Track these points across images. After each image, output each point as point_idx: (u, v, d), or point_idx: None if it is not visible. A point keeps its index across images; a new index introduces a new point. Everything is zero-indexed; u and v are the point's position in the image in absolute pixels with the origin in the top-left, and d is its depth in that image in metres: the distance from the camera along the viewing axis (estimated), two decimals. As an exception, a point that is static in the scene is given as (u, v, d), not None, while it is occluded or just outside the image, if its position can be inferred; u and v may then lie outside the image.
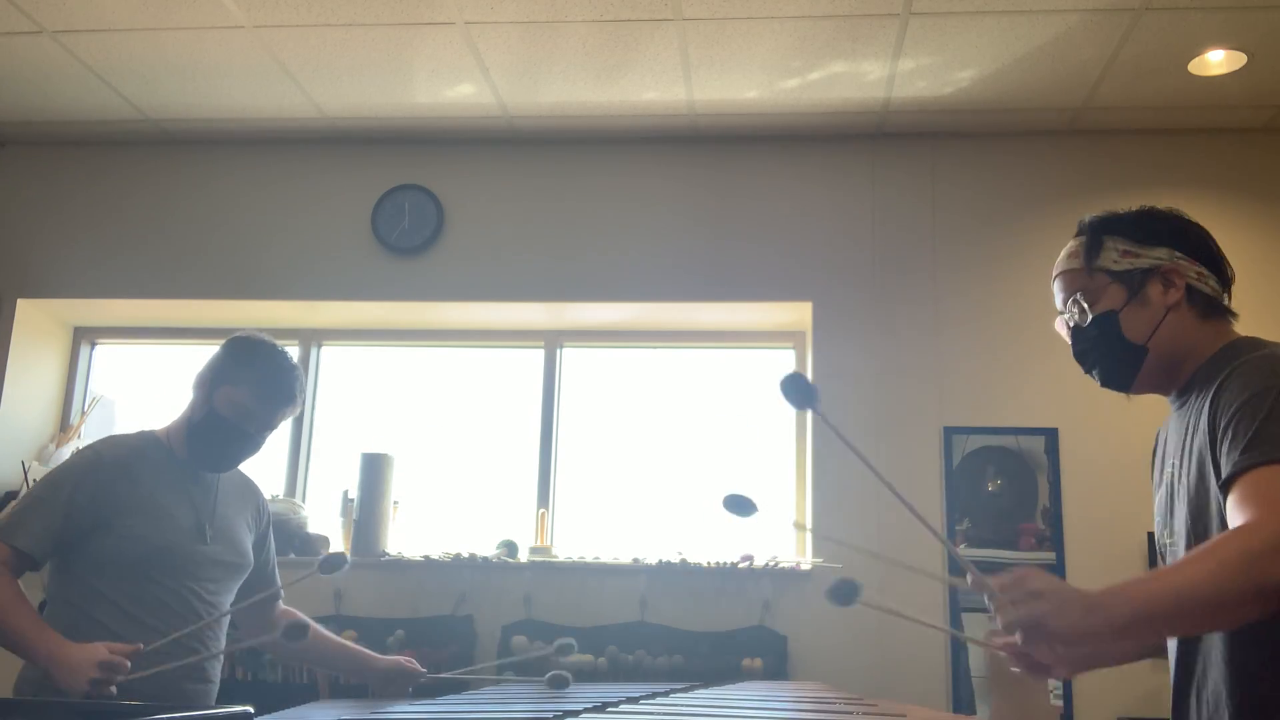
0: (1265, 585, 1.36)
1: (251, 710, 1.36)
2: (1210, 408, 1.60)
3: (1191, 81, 3.72)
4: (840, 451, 3.94)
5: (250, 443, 2.40)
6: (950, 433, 3.90)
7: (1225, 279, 1.79)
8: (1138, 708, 3.61)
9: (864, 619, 3.72)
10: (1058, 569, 3.75)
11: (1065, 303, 1.80)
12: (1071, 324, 1.79)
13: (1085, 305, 1.76)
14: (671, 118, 4.08)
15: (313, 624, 2.63)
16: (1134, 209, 1.82)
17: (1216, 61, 3.60)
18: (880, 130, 4.14)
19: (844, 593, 1.59)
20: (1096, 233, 1.79)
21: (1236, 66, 3.62)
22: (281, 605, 2.70)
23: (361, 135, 4.30)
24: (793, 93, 3.87)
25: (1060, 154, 4.11)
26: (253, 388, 2.35)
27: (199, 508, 2.41)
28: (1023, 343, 3.92)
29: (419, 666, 2.70)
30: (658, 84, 3.83)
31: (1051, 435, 3.86)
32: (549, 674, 2.38)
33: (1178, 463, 1.72)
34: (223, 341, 2.46)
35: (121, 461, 2.35)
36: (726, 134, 4.20)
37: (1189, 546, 1.65)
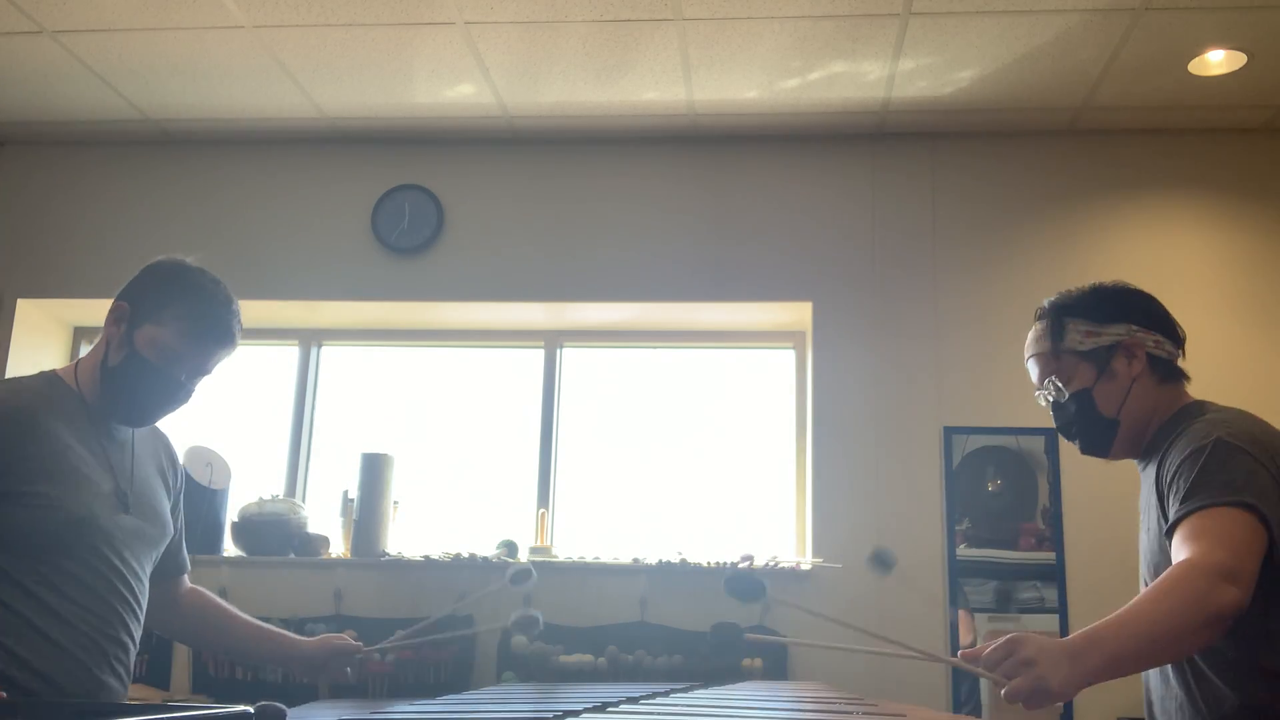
0: (1208, 614, 1.53)
1: (251, 710, 1.36)
2: (1158, 472, 1.79)
3: (1191, 81, 3.72)
4: (840, 452, 3.94)
5: (180, 391, 2.00)
6: (950, 433, 3.90)
7: (1177, 339, 1.94)
8: (1138, 708, 3.60)
9: (863, 619, 3.72)
10: (1058, 569, 3.75)
11: (1042, 381, 1.96)
12: (1050, 400, 1.96)
13: (1060, 385, 1.92)
14: (671, 118, 4.08)
15: (217, 600, 2.31)
16: (1085, 289, 1.98)
17: (1216, 61, 3.60)
18: (880, 130, 4.14)
19: (883, 560, 1.73)
20: (1058, 316, 1.95)
21: (1236, 66, 3.62)
22: (188, 582, 2.30)
23: (361, 135, 4.30)
24: (793, 93, 3.87)
25: (1060, 154, 4.11)
26: (182, 327, 1.97)
27: (116, 469, 2.01)
28: (1023, 343, 3.91)
29: (353, 641, 2.32)
30: (658, 84, 3.83)
31: (1051, 435, 3.85)
32: (510, 571, 2.24)
33: (1143, 519, 1.89)
34: (143, 268, 2.08)
35: (25, 411, 1.91)
36: (726, 134, 4.20)
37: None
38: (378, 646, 2.38)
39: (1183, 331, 1.95)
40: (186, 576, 2.29)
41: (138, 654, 2.06)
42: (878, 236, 4.11)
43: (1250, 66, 3.61)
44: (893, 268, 4.07)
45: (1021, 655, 1.49)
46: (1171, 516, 1.69)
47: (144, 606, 2.06)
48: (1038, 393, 1.99)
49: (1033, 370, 1.99)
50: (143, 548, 2.04)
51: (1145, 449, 1.91)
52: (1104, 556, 3.74)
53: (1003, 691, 1.51)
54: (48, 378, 2.03)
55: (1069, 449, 3.83)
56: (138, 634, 2.03)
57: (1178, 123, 4.04)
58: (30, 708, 1.66)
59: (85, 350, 4.55)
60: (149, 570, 2.08)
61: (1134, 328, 1.90)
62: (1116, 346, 1.89)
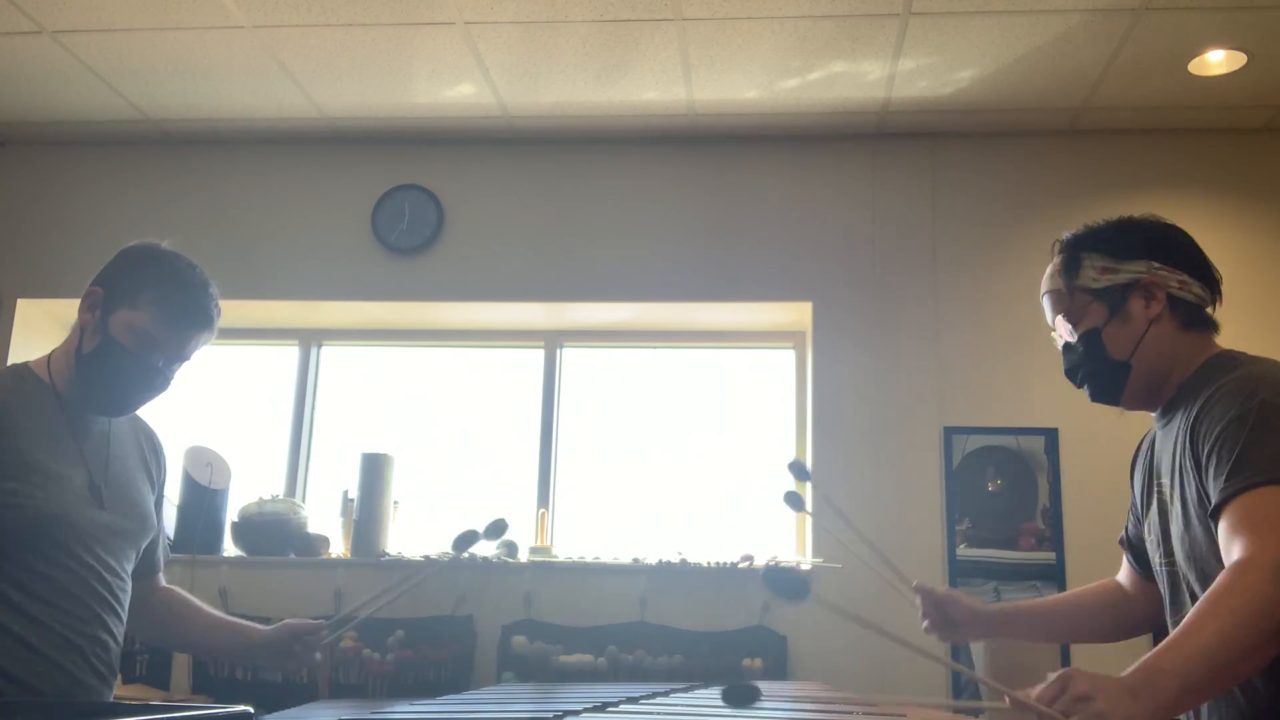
0: (1278, 621, 1.36)
1: (251, 710, 1.36)
2: (1191, 433, 1.62)
3: (1191, 81, 3.72)
4: (840, 452, 3.94)
5: (159, 378, 1.94)
6: (950, 433, 3.90)
7: (1211, 281, 1.77)
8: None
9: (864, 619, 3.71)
10: (1058, 569, 3.75)
11: (1053, 321, 1.84)
12: (1061, 341, 1.83)
13: (1070, 325, 1.78)
14: (671, 118, 4.08)
15: (186, 596, 2.22)
16: (1111, 220, 1.83)
17: (1216, 61, 3.60)
18: (880, 130, 4.14)
19: (743, 695, 1.45)
20: (1074, 251, 1.80)
21: (1236, 66, 3.62)
22: (163, 581, 2.22)
23: (361, 135, 4.30)
24: (793, 93, 3.87)
25: (1060, 154, 4.11)
26: (158, 311, 1.92)
27: (91, 463, 1.93)
28: (1023, 343, 3.92)
29: (313, 621, 2.21)
30: (658, 84, 3.83)
31: (1051, 435, 3.85)
32: (488, 525, 2.08)
33: (1169, 483, 1.71)
34: (116, 253, 2.04)
35: None
36: (726, 134, 4.19)
37: (1196, 573, 1.64)
38: (340, 618, 2.24)
39: (1219, 274, 1.77)
40: (161, 575, 2.21)
41: (140, 654, 2.01)
42: (878, 236, 4.11)
43: (1250, 66, 3.61)
44: (893, 268, 4.07)
45: (1077, 691, 1.34)
46: (1215, 495, 1.51)
47: (125, 603, 1.99)
48: (1053, 333, 1.86)
49: (1046, 309, 1.85)
50: (120, 543, 1.96)
51: (1167, 403, 1.74)
52: (1104, 556, 3.72)
53: None
54: (16, 371, 1.96)
55: (1069, 449, 3.83)
56: (119, 631, 1.97)
57: (1178, 123, 4.04)
58: (30, 708, 1.66)
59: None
60: (130, 566, 2.01)
61: (1156, 265, 1.73)
62: (1134, 285, 1.73)
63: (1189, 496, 1.62)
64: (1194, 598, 1.64)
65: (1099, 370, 1.77)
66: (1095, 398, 1.82)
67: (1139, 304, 1.73)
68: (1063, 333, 1.81)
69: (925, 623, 2.08)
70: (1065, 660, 3.61)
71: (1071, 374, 1.83)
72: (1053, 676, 1.38)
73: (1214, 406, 1.59)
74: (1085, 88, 3.80)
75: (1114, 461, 3.84)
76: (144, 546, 2.06)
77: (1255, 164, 4.04)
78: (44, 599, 1.82)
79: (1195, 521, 1.61)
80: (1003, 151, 4.14)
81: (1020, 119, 4.04)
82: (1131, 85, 3.77)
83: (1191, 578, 1.65)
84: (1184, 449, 1.63)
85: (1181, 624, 1.41)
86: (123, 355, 1.90)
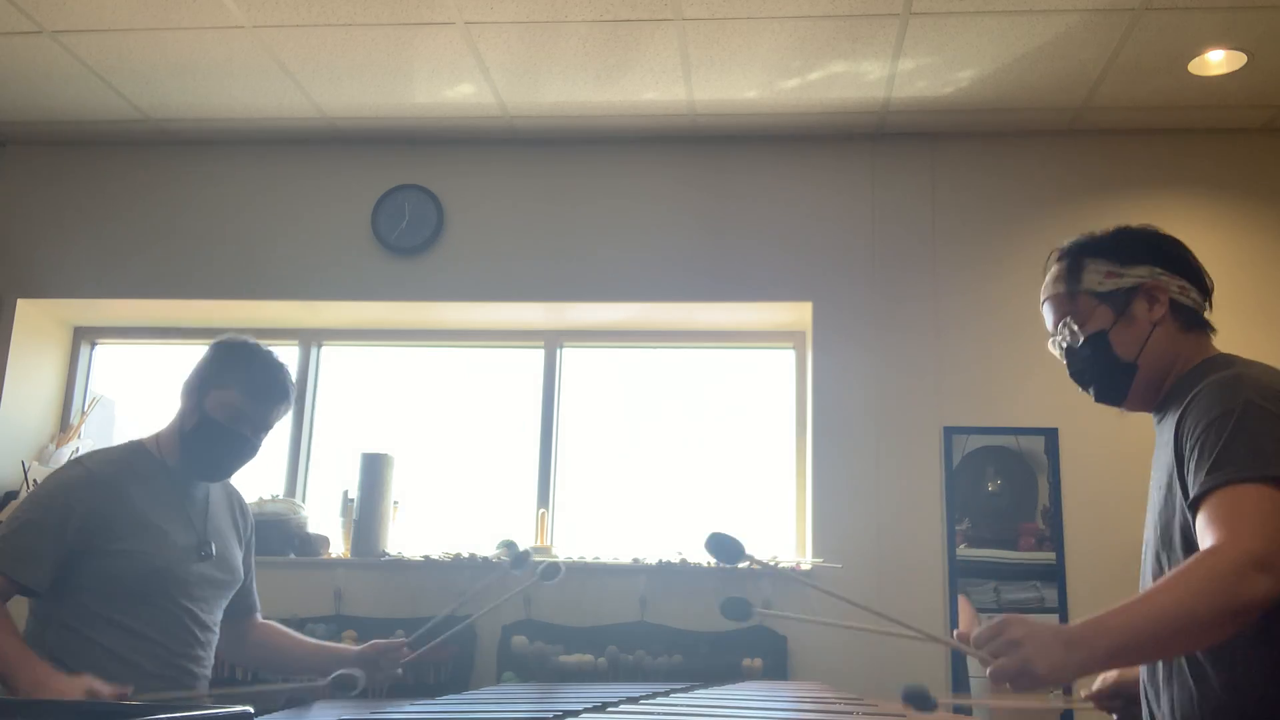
0: (1234, 606, 1.42)
1: (251, 710, 1.36)
2: (1177, 428, 1.67)
3: (1191, 81, 3.72)
4: (840, 452, 3.94)
5: (247, 446, 2.33)
6: (950, 433, 3.90)
7: (1205, 289, 1.84)
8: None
9: (864, 619, 3.71)
10: (1058, 569, 3.75)
11: (1056, 326, 1.88)
12: (1064, 346, 1.87)
13: (1075, 328, 1.83)
14: (671, 118, 4.08)
15: (281, 629, 2.62)
16: (1109, 229, 1.88)
17: (1216, 61, 3.60)
18: (880, 130, 4.14)
19: (919, 697, 1.67)
20: (1077, 256, 1.85)
21: (1236, 66, 3.62)
22: (259, 618, 2.63)
23: (361, 135, 4.30)
24: (793, 93, 3.87)
25: (1060, 154, 4.11)
26: (243, 388, 2.30)
27: (194, 523, 2.34)
28: (1023, 343, 3.92)
29: (398, 640, 2.64)
30: (658, 84, 3.83)
31: (1051, 435, 3.86)
32: (541, 567, 2.53)
33: (1158, 476, 1.77)
34: (210, 344, 2.41)
35: (113, 479, 2.26)
36: (726, 134, 4.20)
37: (1155, 561, 1.72)
38: (419, 636, 2.67)
39: (1211, 281, 1.84)
40: (258, 614, 2.60)
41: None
42: (878, 236, 4.11)
43: (1250, 66, 3.61)
44: (893, 268, 4.07)
45: (1009, 635, 1.45)
46: (1194, 489, 1.57)
47: (213, 641, 2.38)
48: (1051, 340, 1.91)
49: (1047, 315, 1.90)
50: (214, 592, 2.35)
51: (1162, 400, 1.80)
52: (1104, 556, 3.74)
53: (987, 670, 1.48)
54: (133, 447, 2.37)
55: (1069, 449, 3.83)
56: (208, 661, 2.35)
57: (1178, 123, 4.04)
58: (30, 708, 1.66)
59: (85, 351, 4.56)
60: (220, 612, 2.40)
61: (1158, 270, 1.80)
62: (1138, 289, 1.80)
63: (1173, 488, 1.67)
64: None
65: (1106, 371, 1.82)
66: (1100, 398, 1.87)
67: (1143, 307, 1.80)
68: (1065, 337, 1.86)
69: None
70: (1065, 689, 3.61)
71: (1078, 377, 1.88)
72: (993, 621, 1.48)
73: (1200, 402, 1.64)
74: (1085, 88, 3.80)
75: (1114, 461, 3.86)
76: (237, 591, 2.46)
77: (1255, 164, 4.04)
78: (146, 634, 2.22)
79: (1176, 512, 1.66)
80: (1003, 151, 4.14)
81: (1020, 119, 4.04)
82: (1131, 85, 3.77)
83: (1167, 566, 1.69)
84: (1170, 443, 1.69)
85: (1142, 593, 1.49)
86: (217, 429, 2.30)
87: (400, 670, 2.58)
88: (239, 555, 2.46)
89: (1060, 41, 3.50)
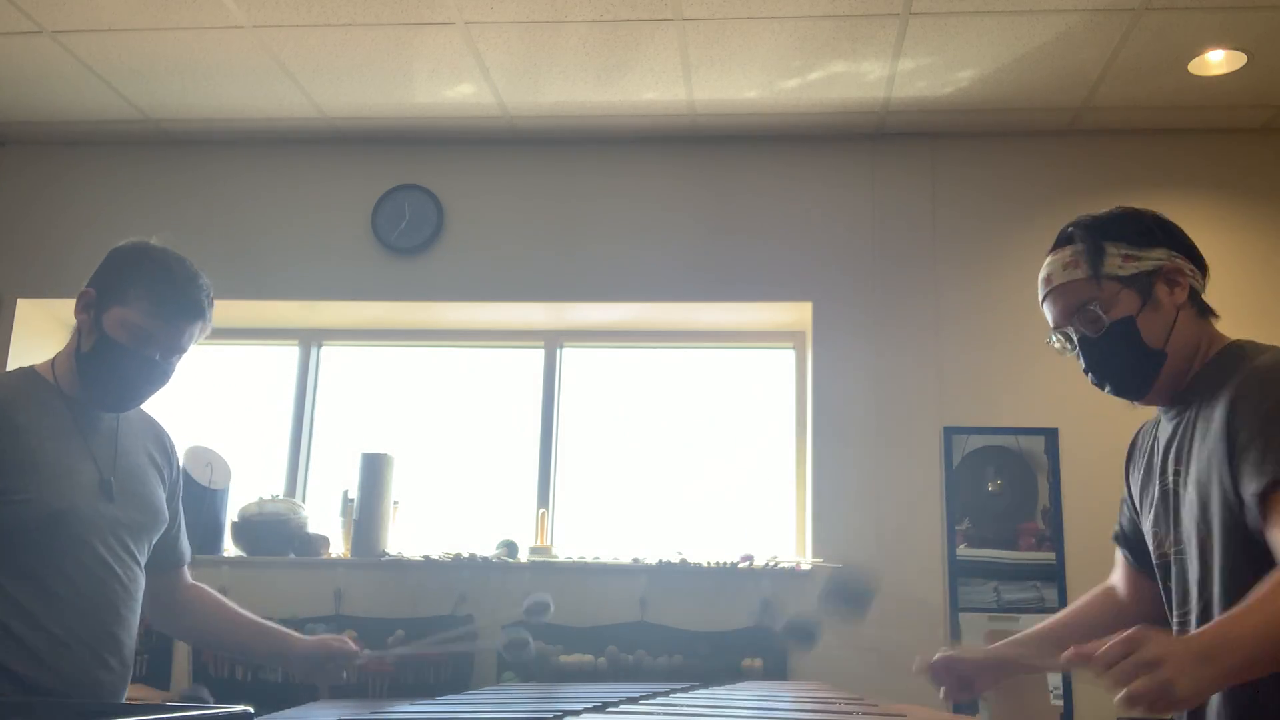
0: None
1: (251, 710, 1.36)
2: (1228, 415, 1.58)
3: (1191, 81, 3.72)
4: (840, 452, 3.94)
5: (157, 371, 1.97)
6: (950, 433, 3.90)
7: (1205, 272, 1.78)
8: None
9: (864, 619, 3.71)
10: (1057, 569, 3.75)
11: (1070, 315, 1.74)
12: (1078, 335, 1.75)
13: (1101, 314, 1.71)
14: (671, 118, 4.08)
15: (218, 596, 2.26)
16: (1115, 210, 1.79)
17: (1216, 61, 3.60)
18: (880, 130, 4.14)
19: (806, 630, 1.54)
20: (1095, 239, 1.74)
21: (1236, 66, 3.62)
22: (188, 576, 2.27)
23: (361, 135, 4.30)
24: (793, 93, 3.87)
25: (1060, 154, 4.11)
26: (147, 304, 1.94)
27: (99, 458, 1.98)
28: (1023, 343, 3.92)
29: (352, 645, 2.24)
30: (658, 84, 3.83)
31: (1051, 435, 3.86)
32: (526, 603, 2.33)
33: (1182, 470, 1.69)
34: (107, 253, 2.08)
35: (1, 408, 1.91)
36: (726, 134, 4.20)
37: (1201, 555, 1.63)
38: (377, 654, 2.34)
39: (1207, 268, 1.78)
40: (187, 569, 2.25)
41: (140, 654, 2.07)
42: (878, 237, 4.11)
43: (1250, 66, 3.61)
44: (893, 268, 4.07)
45: (1145, 656, 1.29)
46: (1263, 478, 1.49)
47: (138, 595, 2.03)
48: (1055, 333, 1.78)
49: (1054, 305, 1.76)
50: (131, 535, 2.00)
51: (1184, 392, 1.72)
52: (1104, 556, 3.71)
53: (1116, 697, 1.30)
54: (24, 373, 2.02)
55: (1069, 449, 3.83)
56: (133, 623, 2.01)
57: (1178, 123, 4.04)
58: (30, 708, 1.66)
59: (85, 350, 4.54)
60: (143, 559, 2.05)
61: (1174, 254, 1.72)
62: (1158, 272, 1.70)
63: (1215, 482, 1.59)
64: (1209, 583, 1.62)
65: (1133, 360, 1.71)
66: (1119, 391, 1.76)
67: (1164, 291, 1.71)
68: (1085, 326, 1.72)
69: (941, 692, 2.05)
70: (1066, 688, 3.61)
71: (1099, 367, 1.74)
72: (1119, 637, 1.32)
73: (1254, 390, 1.56)
74: (1085, 88, 3.80)
75: (1114, 461, 3.83)
76: (159, 539, 2.11)
77: (1255, 164, 4.03)
78: (57, 594, 1.87)
79: (1218, 507, 1.58)
80: (1003, 151, 4.14)
81: (1020, 119, 4.04)
82: (1131, 85, 3.77)
83: (1214, 562, 1.61)
84: (1214, 435, 1.60)
85: (1248, 598, 1.39)
86: (119, 351, 1.94)
87: (345, 676, 2.24)
88: (160, 495, 2.11)
89: (1060, 41, 3.50)
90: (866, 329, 4.02)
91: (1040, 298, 1.80)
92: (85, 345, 1.96)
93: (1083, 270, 1.73)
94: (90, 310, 1.98)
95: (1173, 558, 1.72)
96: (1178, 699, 1.28)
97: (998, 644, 2.07)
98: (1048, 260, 1.80)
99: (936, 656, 2.03)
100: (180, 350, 2.01)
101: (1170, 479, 1.72)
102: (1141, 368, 1.71)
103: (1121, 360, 1.72)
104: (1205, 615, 1.62)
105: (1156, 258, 1.72)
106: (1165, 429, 1.77)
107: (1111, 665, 1.30)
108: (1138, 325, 1.70)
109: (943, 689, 2.03)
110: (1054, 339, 1.80)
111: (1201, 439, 1.63)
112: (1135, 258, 1.72)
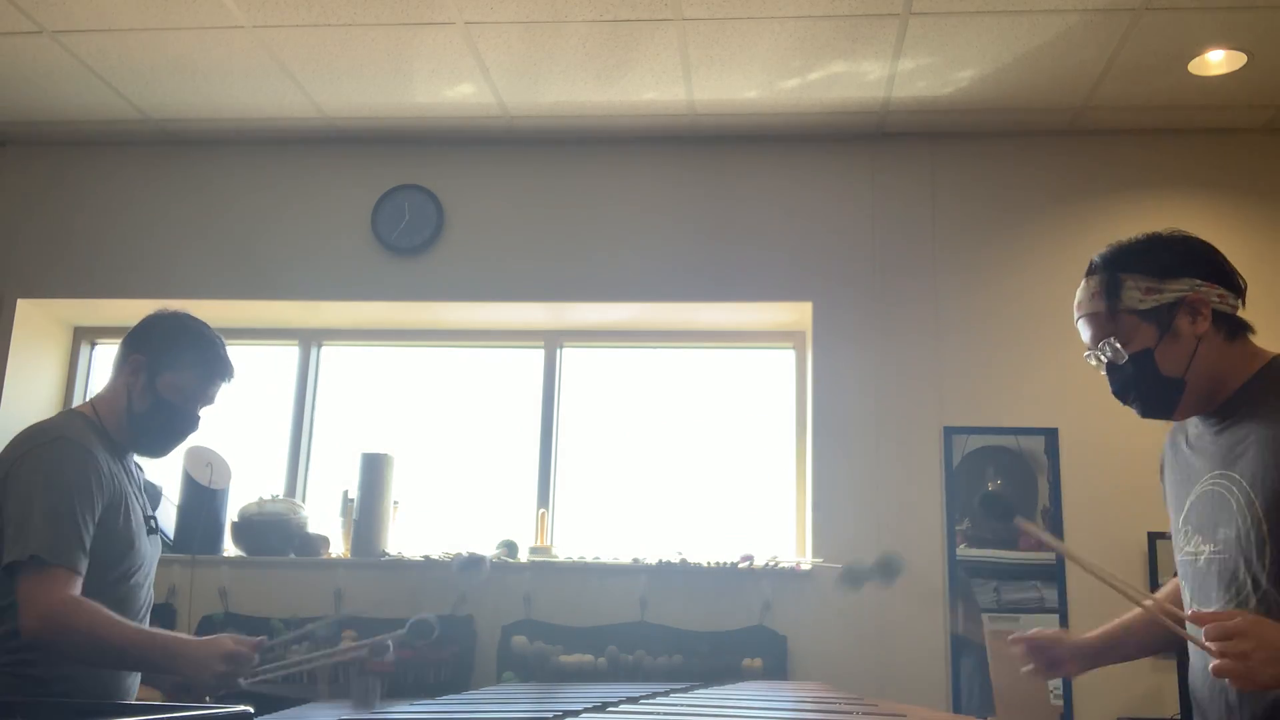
0: None
1: (251, 710, 1.36)
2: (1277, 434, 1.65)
3: (1191, 81, 3.72)
4: (840, 452, 3.94)
5: (195, 423, 2.34)
6: (950, 433, 3.90)
7: (1239, 291, 1.82)
8: (1138, 707, 3.61)
9: (863, 619, 3.72)
10: (1057, 569, 3.75)
11: (1096, 343, 1.82)
12: (1105, 359, 1.81)
13: (1119, 347, 1.77)
14: (671, 118, 4.08)
15: (98, 608, 2.10)
16: (1142, 239, 1.82)
17: (1216, 61, 3.60)
18: (880, 130, 4.14)
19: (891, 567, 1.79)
20: (1112, 272, 1.79)
21: (1236, 66, 3.62)
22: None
23: (361, 135, 4.30)
24: (793, 93, 3.87)
25: (1060, 154, 4.11)
26: (199, 370, 2.30)
27: (139, 496, 2.31)
28: (1023, 343, 3.92)
29: (244, 648, 2.16)
30: (658, 84, 3.83)
31: (1051, 435, 3.86)
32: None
33: (1237, 476, 1.72)
34: (144, 318, 2.34)
35: (95, 453, 2.17)
36: (726, 134, 4.20)
37: (1259, 556, 1.67)
38: (276, 665, 2.37)
39: (1243, 281, 1.83)
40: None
41: None
42: (878, 237, 4.11)
43: (1250, 66, 3.61)
44: (893, 268, 4.07)
45: (1240, 647, 1.50)
46: None
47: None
48: (1088, 353, 1.85)
49: (1084, 331, 1.84)
50: (153, 565, 2.32)
51: (1225, 406, 1.77)
52: (1104, 556, 3.73)
53: (1210, 665, 1.54)
54: (84, 418, 2.26)
55: (1069, 449, 3.83)
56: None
57: (1178, 123, 4.04)
58: (30, 708, 1.66)
59: (85, 351, 4.55)
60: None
61: (1198, 282, 1.76)
62: (1179, 303, 1.75)
63: (1265, 495, 1.65)
64: (1243, 586, 1.67)
65: (1153, 389, 1.78)
66: (1146, 414, 1.83)
67: (1186, 322, 1.75)
68: (1108, 355, 1.80)
69: (1028, 666, 2.06)
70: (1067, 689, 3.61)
71: (1122, 394, 1.83)
72: (1231, 618, 1.53)
73: None
74: (1085, 88, 3.80)
75: (1114, 461, 3.86)
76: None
77: (1255, 164, 4.03)
78: (128, 614, 2.17)
79: (1268, 514, 1.65)
80: (1003, 151, 4.14)
81: (1020, 119, 4.04)
82: (1131, 85, 3.77)
83: (1259, 567, 1.66)
84: (1268, 443, 1.66)
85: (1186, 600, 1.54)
86: (172, 410, 2.28)
87: (243, 682, 2.18)
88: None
89: (1060, 41, 3.50)
90: (866, 329, 4.02)
91: (1075, 319, 1.88)
92: (139, 406, 2.26)
93: (1101, 303, 1.80)
94: (141, 374, 2.27)
95: (1214, 555, 1.76)
96: (1258, 684, 1.50)
97: (1093, 632, 2.13)
98: (1080, 286, 1.86)
99: (1032, 633, 2.09)
100: (211, 403, 2.36)
101: (1217, 487, 1.76)
102: (1163, 395, 1.78)
103: (1141, 390, 1.79)
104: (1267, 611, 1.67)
105: (1178, 289, 1.76)
106: (1207, 436, 1.80)
107: (1211, 640, 1.52)
108: (1155, 358, 1.76)
109: (1031, 664, 2.05)
110: (1088, 356, 1.87)
111: (1261, 450, 1.68)
112: (1156, 290, 1.76)
